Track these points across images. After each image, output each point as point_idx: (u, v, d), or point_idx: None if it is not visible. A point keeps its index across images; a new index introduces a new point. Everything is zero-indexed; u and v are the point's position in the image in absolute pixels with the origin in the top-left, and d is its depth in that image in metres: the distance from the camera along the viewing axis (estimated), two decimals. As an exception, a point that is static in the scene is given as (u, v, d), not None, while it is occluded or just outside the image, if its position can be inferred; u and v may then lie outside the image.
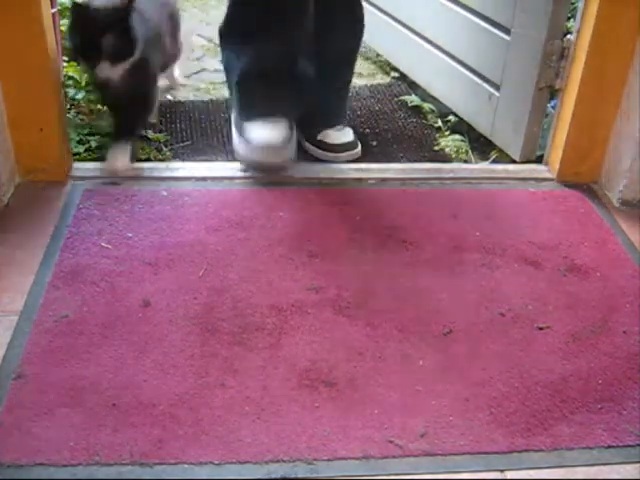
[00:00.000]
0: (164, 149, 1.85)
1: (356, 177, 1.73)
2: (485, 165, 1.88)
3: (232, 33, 1.74)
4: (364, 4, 1.82)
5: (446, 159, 1.91)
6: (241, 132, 1.72)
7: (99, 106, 1.88)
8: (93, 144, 1.80)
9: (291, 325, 1.27)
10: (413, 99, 2.15)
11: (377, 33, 2.29)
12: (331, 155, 1.81)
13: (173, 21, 1.86)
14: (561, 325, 1.31)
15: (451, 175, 1.77)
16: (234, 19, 1.73)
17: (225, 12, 1.74)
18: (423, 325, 1.29)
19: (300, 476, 1.04)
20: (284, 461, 1.05)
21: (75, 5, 1.50)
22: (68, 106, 1.65)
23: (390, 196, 1.66)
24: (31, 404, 1.10)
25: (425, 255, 1.47)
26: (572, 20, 1.73)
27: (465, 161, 1.91)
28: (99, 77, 1.56)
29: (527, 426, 1.12)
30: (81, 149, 1.77)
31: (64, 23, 2.22)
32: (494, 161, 1.89)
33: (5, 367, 1.16)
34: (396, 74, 2.31)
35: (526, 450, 1.09)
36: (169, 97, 2.11)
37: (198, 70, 2.33)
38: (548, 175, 1.76)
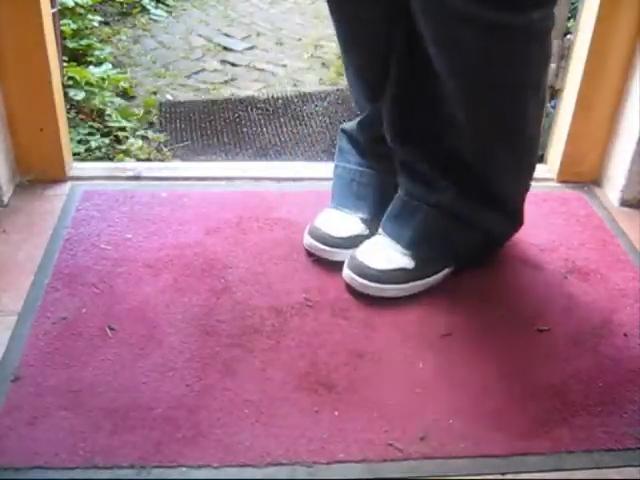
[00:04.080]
0: (164, 149, 1.85)
1: (356, 178, 1.72)
2: (485, 165, 1.87)
3: None
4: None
5: (446, 159, 1.90)
6: None
7: (100, 106, 1.88)
8: (93, 144, 1.80)
9: (290, 327, 1.27)
10: (413, 99, 2.14)
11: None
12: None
13: None
14: (561, 327, 1.31)
15: (451, 176, 1.76)
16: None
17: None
18: (423, 327, 1.29)
19: (299, 479, 1.03)
20: (283, 464, 1.04)
21: None
22: (68, 106, 1.65)
23: (390, 197, 1.65)
24: (29, 407, 1.10)
25: (425, 256, 1.46)
26: (572, 20, 1.72)
27: (465, 161, 1.90)
28: None
29: (527, 429, 1.12)
30: (81, 149, 1.77)
31: (64, 23, 2.22)
32: (495, 161, 1.88)
33: (3, 369, 1.16)
34: (396, 74, 2.30)
35: (526, 453, 1.08)
36: (169, 97, 2.11)
37: (198, 70, 2.32)
38: (548, 175, 1.76)
